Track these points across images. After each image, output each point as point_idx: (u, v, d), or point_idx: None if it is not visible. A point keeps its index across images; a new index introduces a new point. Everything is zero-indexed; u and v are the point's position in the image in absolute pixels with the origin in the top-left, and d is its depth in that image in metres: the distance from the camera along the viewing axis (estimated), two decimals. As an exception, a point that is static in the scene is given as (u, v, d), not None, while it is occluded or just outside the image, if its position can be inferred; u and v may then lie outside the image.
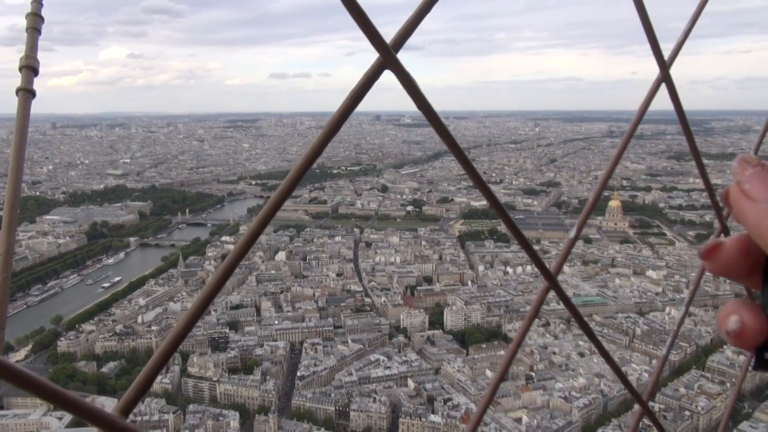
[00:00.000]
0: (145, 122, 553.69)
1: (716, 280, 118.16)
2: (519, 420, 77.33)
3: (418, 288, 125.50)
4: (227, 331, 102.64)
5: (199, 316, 1.05)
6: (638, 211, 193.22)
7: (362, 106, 1.05)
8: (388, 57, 1.07)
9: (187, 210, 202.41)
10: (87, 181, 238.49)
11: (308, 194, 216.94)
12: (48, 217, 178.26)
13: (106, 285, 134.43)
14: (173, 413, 78.34)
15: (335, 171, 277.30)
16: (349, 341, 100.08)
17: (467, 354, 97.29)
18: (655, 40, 1.73)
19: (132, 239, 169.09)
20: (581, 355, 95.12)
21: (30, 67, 1.77)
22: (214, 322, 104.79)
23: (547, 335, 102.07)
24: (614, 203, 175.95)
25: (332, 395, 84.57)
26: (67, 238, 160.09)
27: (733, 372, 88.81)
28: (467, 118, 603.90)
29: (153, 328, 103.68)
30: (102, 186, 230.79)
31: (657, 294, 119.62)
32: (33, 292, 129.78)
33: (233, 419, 78.75)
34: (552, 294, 1.63)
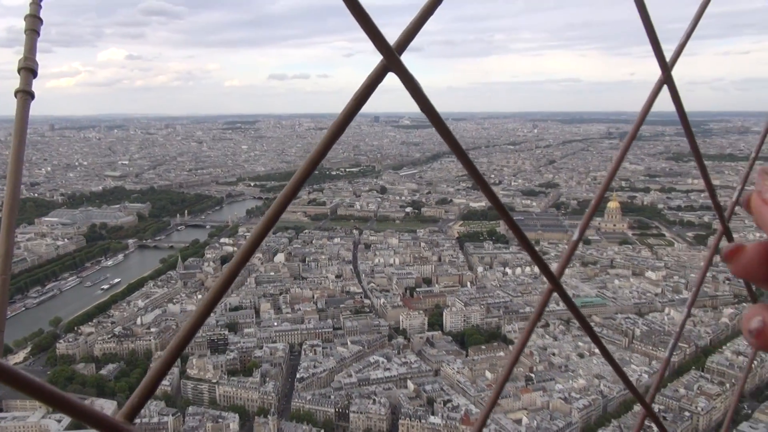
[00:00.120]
0: (143, 124, 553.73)
1: (715, 281, 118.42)
2: (519, 421, 77.33)
3: (417, 289, 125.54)
4: (226, 332, 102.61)
5: (203, 321, 1.06)
6: (637, 212, 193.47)
7: (363, 107, 1.09)
8: (391, 59, 1.07)
9: (186, 212, 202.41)
10: (85, 183, 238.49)
11: (307, 196, 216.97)
12: (46, 218, 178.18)
13: (104, 287, 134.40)
14: (173, 415, 78.28)
15: (334, 172, 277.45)
16: (349, 343, 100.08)
17: (467, 355, 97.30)
18: (657, 42, 1.73)
19: (131, 241, 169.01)
20: (581, 356, 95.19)
21: (29, 69, 1.78)
22: (213, 324, 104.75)
23: (547, 336, 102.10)
24: (613, 204, 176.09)
25: (332, 397, 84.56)
26: (66, 239, 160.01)
27: (732, 373, 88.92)
28: (466, 120, 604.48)
29: (152, 329, 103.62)
30: (100, 188, 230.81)
31: (656, 295, 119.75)
32: (32, 294, 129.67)
33: (233, 421, 78.72)
34: (552, 295, 1.67)
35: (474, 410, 78.92)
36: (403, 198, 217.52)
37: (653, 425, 2.57)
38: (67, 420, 76.16)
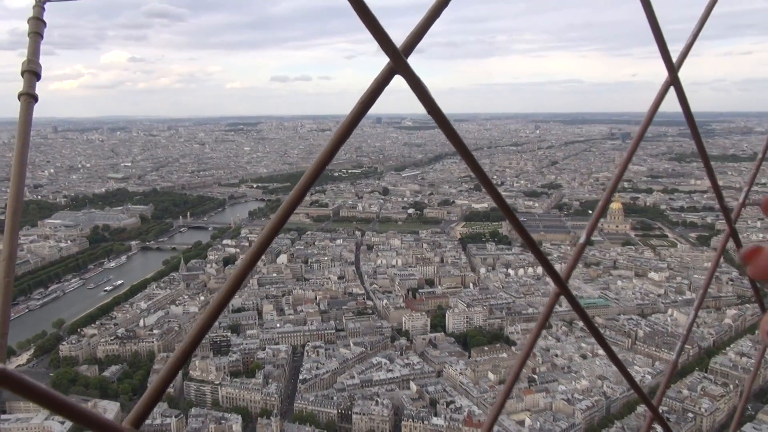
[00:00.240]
0: (146, 126, 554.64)
1: (719, 283, 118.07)
2: (522, 422, 77.22)
3: (419, 290, 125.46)
4: (229, 334, 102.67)
5: (210, 327, 1.04)
6: (640, 213, 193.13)
7: (368, 111, 1.08)
8: (398, 62, 1.07)
9: (189, 213, 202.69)
10: (88, 185, 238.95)
11: (309, 197, 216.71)
12: (49, 221, 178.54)
13: (107, 289, 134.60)
14: (175, 417, 78.33)
15: (336, 174, 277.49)
16: (351, 344, 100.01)
17: (469, 356, 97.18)
18: (663, 44, 1.73)
19: (133, 243, 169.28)
20: (584, 357, 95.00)
21: (32, 72, 1.78)
22: (216, 325, 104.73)
23: (550, 338, 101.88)
24: (616, 205, 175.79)
25: (334, 398, 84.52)
26: (69, 241, 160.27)
27: (736, 374, 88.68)
28: (468, 121, 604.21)
29: (155, 331, 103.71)
30: (103, 189, 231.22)
31: (659, 296, 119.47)
32: (35, 296, 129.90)
33: (235, 423, 78.71)
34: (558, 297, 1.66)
35: (477, 411, 78.83)
36: (405, 199, 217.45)
37: (659, 427, 2.54)
38: (69, 422, 76.07)
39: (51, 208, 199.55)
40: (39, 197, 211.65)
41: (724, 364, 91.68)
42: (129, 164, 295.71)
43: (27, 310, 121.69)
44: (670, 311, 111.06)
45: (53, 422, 76.85)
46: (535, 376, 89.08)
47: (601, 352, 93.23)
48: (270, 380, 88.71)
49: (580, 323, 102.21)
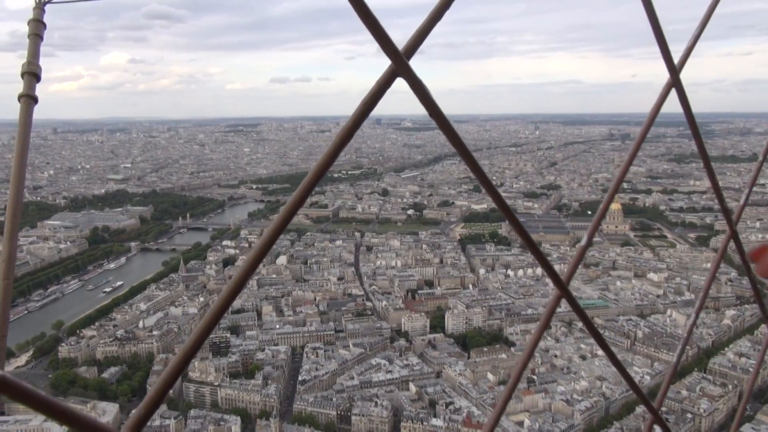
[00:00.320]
0: (146, 127, 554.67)
1: (717, 283, 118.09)
2: (521, 423, 77.18)
3: (419, 291, 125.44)
4: (228, 335, 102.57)
5: (210, 332, 1.02)
6: (639, 213, 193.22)
7: (370, 113, 1.09)
8: (400, 64, 1.07)
9: (188, 214, 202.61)
10: (88, 186, 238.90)
11: (309, 198, 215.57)
12: (49, 222, 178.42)
13: (107, 290, 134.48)
14: (174, 419, 78.22)
15: (336, 175, 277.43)
16: (351, 345, 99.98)
17: (468, 357, 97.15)
18: (665, 46, 1.74)
19: (133, 244, 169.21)
20: (583, 358, 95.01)
21: (32, 73, 1.79)
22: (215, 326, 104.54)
23: (549, 338, 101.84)
24: (615, 206, 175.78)
25: (334, 399, 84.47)
26: (68, 243, 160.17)
27: (734, 374, 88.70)
28: (468, 122, 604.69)
29: (154, 332, 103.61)
30: (103, 191, 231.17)
31: (658, 296, 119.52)
32: (34, 297, 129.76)
33: (235, 424, 78.64)
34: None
35: (476, 412, 78.81)
36: (404, 200, 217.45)
37: (659, 429, 2.54)
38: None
39: (50, 209, 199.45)
40: (39, 198, 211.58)
41: (723, 364, 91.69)
42: (129, 165, 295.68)
43: (26, 312, 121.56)
44: (669, 312, 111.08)
45: (52, 424, 76.67)
46: (535, 377, 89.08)
47: (600, 352, 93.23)
48: (269, 381, 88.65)
49: (580, 324, 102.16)
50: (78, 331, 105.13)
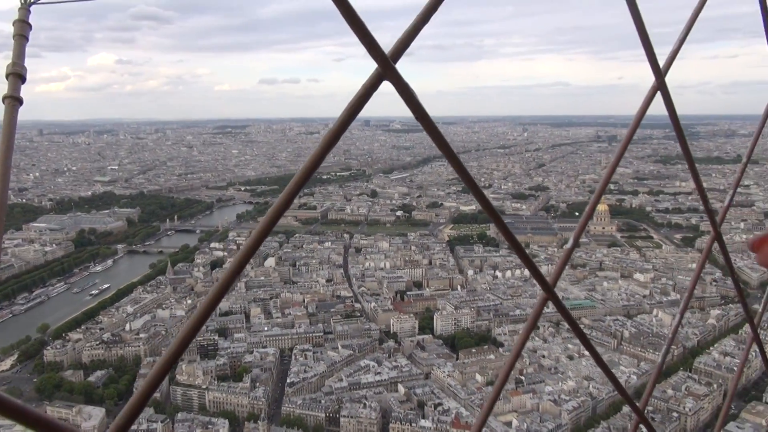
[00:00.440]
0: (133, 128, 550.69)
1: (702, 283, 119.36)
2: (509, 424, 77.47)
3: (407, 293, 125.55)
4: (216, 338, 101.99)
5: (196, 332, 1.02)
6: (625, 214, 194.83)
7: (356, 116, 1.10)
8: (386, 68, 1.08)
9: (176, 216, 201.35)
10: (74, 188, 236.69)
11: (298, 200, 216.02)
12: (34, 224, 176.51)
13: (93, 293, 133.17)
14: (162, 422, 77.63)
15: (325, 176, 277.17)
16: (339, 347, 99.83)
17: (457, 358, 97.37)
18: (650, 49, 1.75)
19: (120, 246, 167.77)
20: (570, 358, 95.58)
21: (17, 74, 1.78)
22: (203, 329, 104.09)
23: (537, 339, 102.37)
24: (602, 207, 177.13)
25: (322, 401, 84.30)
26: (54, 245, 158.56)
27: (719, 373, 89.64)
28: (456, 124, 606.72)
29: (141, 335, 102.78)
30: (89, 193, 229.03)
31: (644, 297, 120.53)
32: (19, 300, 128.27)
33: (223, 427, 78.22)
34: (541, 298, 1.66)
35: (464, 413, 79.00)
36: (393, 202, 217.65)
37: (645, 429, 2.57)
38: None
39: (36, 211, 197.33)
40: (24, 201, 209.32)
41: (708, 363, 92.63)
42: (116, 167, 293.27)
43: (11, 315, 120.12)
44: (655, 312, 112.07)
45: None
46: (522, 378, 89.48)
47: (587, 353, 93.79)
48: (257, 384, 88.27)
49: (567, 324, 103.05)
50: (64, 335, 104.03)
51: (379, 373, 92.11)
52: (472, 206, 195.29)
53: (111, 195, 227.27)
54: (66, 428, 0.80)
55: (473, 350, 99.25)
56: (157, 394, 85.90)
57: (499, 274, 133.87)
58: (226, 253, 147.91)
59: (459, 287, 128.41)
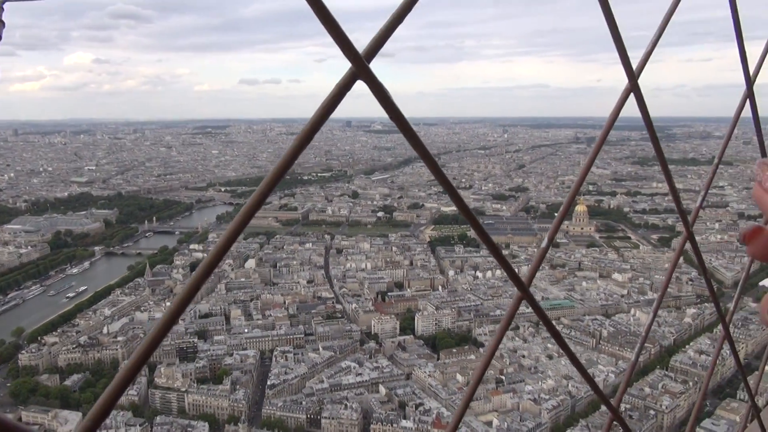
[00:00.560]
0: (111, 129, 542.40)
1: (679, 283, 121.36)
2: (489, 423, 77.99)
3: (389, 294, 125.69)
4: (196, 340, 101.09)
5: (161, 339, 1.00)
6: (604, 215, 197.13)
7: (333, 113, 1.07)
8: (360, 67, 1.07)
9: (155, 218, 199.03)
10: (50, 189, 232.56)
11: (278, 201, 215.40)
12: (9, 226, 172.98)
13: (70, 295, 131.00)
14: (140, 426, 76.78)
15: (306, 177, 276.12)
16: (320, 348, 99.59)
17: (438, 359, 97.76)
18: (624, 52, 1.76)
19: (97, 248, 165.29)
20: (550, 357, 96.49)
21: None
22: (182, 331, 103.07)
23: (517, 339, 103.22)
24: (581, 208, 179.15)
25: (303, 403, 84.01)
26: (29, 247, 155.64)
27: (695, 371, 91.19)
28: (437, 125, 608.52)
29: (119, 338, 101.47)
30: (66, 194, 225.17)
31: (622, 296, 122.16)
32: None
33: (202, 430, 77.62)
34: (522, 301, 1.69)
35: (445, 413, 79.30)
36: (374, 203, 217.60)
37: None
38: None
39: (11, 213, 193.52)
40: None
41: (683, 362, 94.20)
42: (93, 168, 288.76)
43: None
44: (632, 311, 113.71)
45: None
46: (503, 377, 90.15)
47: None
48: (237, 386, 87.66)
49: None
50: (39, 338, 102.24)
51: (360, 374, 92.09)
52: (453, 207, 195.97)
53: (88, 196, 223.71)
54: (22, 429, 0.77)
55: (454, 350, 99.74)
56: (135, 398, 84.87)
57: (479, 274, 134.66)
58: (205, 255, 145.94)
59: (440, 288, 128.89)
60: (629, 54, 1.82)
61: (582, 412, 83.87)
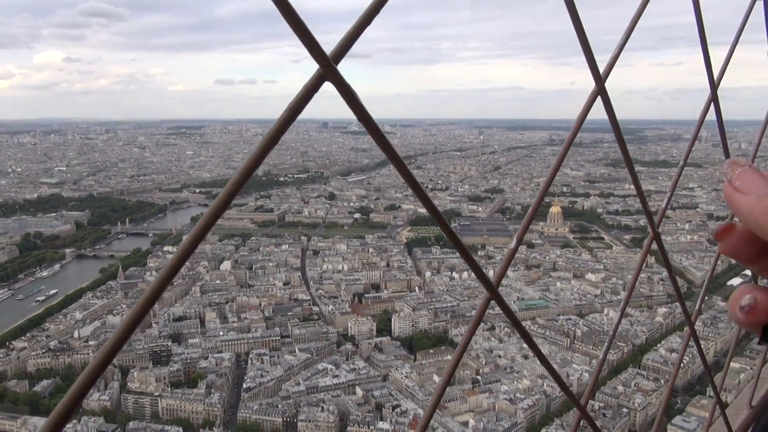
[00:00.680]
0: (82, 129, 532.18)
1: (650, 282, 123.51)
2: (466, 423, 78.36)
3: (365, 295, 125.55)
4: (169, 344, 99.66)
5: (124, 342, 0.96)
6: (578, 216, 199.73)
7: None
8: (328, 69, 1.05)
9: (128, 219, 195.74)
10: (19, 190, 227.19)
11: (254, 202, 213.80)
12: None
13: (39, 299, 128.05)
14: (112, 431, 75.45)
15: (282, 178, 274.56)
16: (297, 351, 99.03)
17: (415, 360, 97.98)
18: (591, 56, 1.79)
19: (68, 250, 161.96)
20: (525, 357, 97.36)
21: None
22: (156, 335, 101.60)
23: (493, 339, 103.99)
24: (555, 209, 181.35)
25: (279, 406, 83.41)
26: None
27: (666, 369, 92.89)
28: (414, 126, 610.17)
29: (90, 343, 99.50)
30: (35, 195, 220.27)
31: (596, 296, 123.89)
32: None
33: (177, 435, 76.52)
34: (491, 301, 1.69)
35: (422, 414, 79.32)
36: (351, 204, 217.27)
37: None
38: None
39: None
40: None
41: (655, 360, 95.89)
42: (64, 168, 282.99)
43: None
44: (606, 311, 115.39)
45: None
46: (479, 378, 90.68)
47: (543, 351, 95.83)
48: (213, 390, 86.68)
49: (526, 323, 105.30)
50: (7, 343, 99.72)
51: (336, 376, 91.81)
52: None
53: (58, 197, 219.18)
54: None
55: (431, 351, 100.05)
56: (107, 403, 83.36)
57: (456, 275, 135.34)
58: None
59: (417, 289, 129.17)
60: (598, 58, 1.84)
61: (557, 411, 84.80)
